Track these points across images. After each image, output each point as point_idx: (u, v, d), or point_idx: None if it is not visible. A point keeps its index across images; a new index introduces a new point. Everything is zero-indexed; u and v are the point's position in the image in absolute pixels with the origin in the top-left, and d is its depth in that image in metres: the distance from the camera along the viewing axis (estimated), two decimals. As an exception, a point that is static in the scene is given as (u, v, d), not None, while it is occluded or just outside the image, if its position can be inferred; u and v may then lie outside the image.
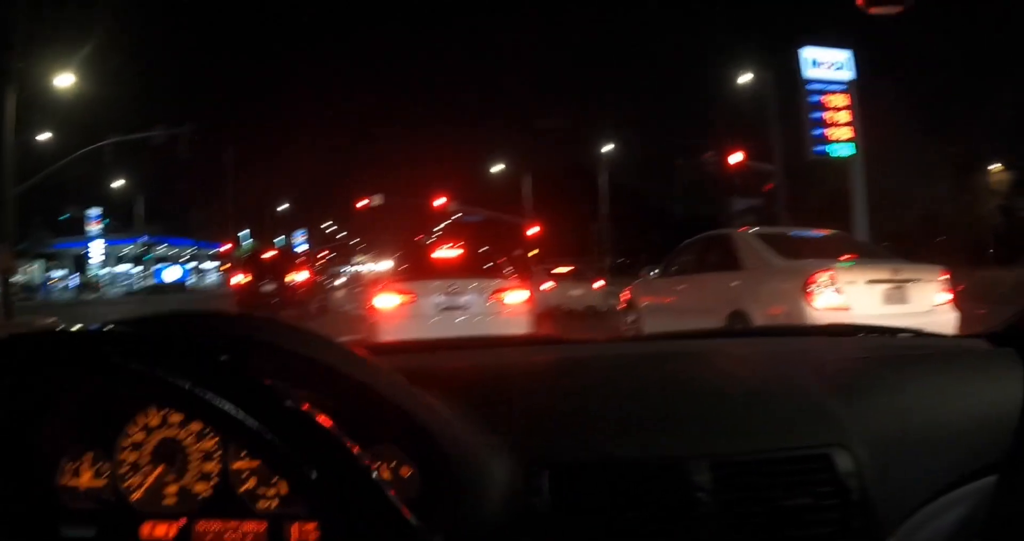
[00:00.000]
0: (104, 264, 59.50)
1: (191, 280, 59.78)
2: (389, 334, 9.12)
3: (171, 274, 59.69)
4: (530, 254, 47.39)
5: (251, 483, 1.25)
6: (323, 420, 0.71)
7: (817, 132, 22.76)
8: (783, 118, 26.90)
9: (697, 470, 1.06)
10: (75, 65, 25.47)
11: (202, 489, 1.26)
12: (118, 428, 1.27)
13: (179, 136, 28.55)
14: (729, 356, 1.59)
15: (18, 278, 30.83)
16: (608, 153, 47.25)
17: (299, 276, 21.39)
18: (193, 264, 63.46)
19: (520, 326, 9.35)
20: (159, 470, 1.26)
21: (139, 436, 1.27)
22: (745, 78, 28.35)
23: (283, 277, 20.92)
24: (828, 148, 22.88)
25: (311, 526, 1.19)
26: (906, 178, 33.74)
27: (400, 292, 9.45)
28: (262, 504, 1.24)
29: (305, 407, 0.71)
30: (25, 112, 24.70)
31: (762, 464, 1.09)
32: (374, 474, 0.69)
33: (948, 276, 8.33)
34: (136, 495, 1.25)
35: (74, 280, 59.65)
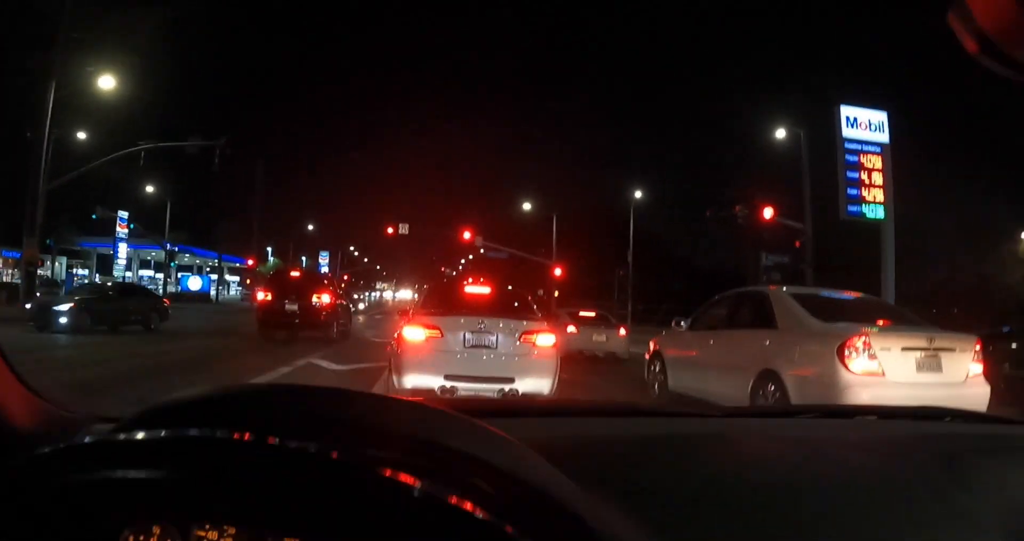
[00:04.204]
0: (128, 267, 59.97)
1: (213, 292, 60.08)
2: (415, 367, 9.08)
3: (195, 283, 60.04)
4: (552, 295, 47.38)
5: None
6: None
7: (852, 192, 22.69)
8: (814, 176, 26.94)
9: None
10: (115, 69, 25.96)
11: None
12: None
13: (214, 149, 28.79)
14: (855, 446, 1.54)
15: (42, 272, 31.20)
16: (637, 200, 47.33)
17: (323, 298, 21.35)
18: (215, 276, 63.79)
19: (547, 369, 9.29)
20: None
21: None
22: (779, 134, 28.42)
23: (307, 298, 20.91)
24: (863, 209, 22.79)
25: None
26: (933, 243, 33.63)
27: (427, 326, 9.39)
28: None
29: None
30: (61, 111, 25.20)
31: None
32: None
33: (980, 347, 8.27)
34: None
35: (97, 280, 60.27)
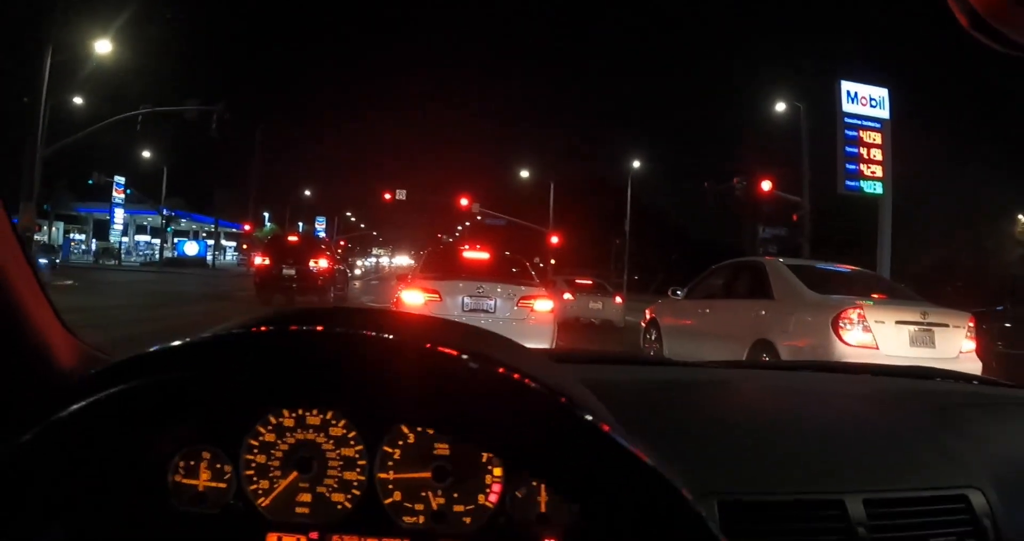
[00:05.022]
0: (124, 232, 59.88)
1: (210, 257, 60.01)
2: None
3: (192, 248, 59.94)
4: (549, 263, 47.42)
5: (397, 496, 1.16)
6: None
7: (851, 167, 22.67)
8: (813, 150, 26.88)
9: (854, 508, 1.10)
10: (113, 33, 25.73)
11: (340, 499, 1.15)
12: (245, 426, 1.16)
13: (212, 113, 28.55)
14: (852, 395, 1.61)
15: (38, 238, 31.07)
16: (634, 169, 47.18)
17: (320, 263, 21.37)
18: (212, 241, 63.66)
19: (545, 335, 9.37)
20: (292, 476, 1.15)
21: (270, 437, 1.16)
22: (779, 107, 28.31)
23: (304, 262, 20.93)
24: (861, 184, 22.78)
25: None
26: (931, 221, 33.63)
27: (426, 290, 9.46)
28: (408, 519, 1.15)
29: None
30: (59, 76, 25.03)
31: (909, 502, 1.14)
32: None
33: (974, 323, 8.32)
34: (263, 501, 1.15)
35: (93, 245, 60.22)
